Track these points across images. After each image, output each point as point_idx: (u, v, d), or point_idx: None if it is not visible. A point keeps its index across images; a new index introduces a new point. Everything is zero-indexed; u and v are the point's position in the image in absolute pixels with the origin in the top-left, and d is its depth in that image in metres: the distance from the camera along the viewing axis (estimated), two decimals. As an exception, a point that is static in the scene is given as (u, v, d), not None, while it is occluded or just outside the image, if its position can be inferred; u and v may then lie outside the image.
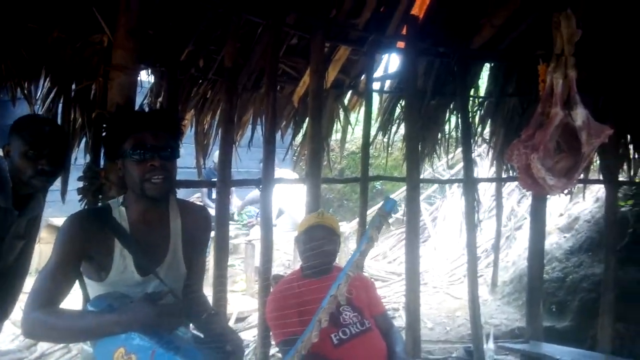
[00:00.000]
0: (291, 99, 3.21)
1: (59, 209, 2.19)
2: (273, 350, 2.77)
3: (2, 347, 3.17)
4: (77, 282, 1.49)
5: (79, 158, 2.32)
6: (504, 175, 4.11)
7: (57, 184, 2.28)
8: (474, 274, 3.25)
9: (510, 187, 6.28)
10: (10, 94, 2.21)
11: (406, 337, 2.84)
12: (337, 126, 3.62)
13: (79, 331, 1.35)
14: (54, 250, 1.41)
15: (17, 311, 1.51)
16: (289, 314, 1.86)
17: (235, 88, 2.63)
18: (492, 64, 3.76)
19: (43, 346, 3.27)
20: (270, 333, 2.06)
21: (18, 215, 1.89)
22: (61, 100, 2.27)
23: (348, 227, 5.57)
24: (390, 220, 1.47)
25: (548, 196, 3.35)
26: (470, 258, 3.27)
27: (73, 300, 1.43)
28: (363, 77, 3.32)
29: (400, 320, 3.92)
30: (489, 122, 3.92)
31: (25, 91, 2.21)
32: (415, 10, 3.09)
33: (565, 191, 2.37)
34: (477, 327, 3.20)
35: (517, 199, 6.35)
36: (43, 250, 3.11)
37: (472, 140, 3.64)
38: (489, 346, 3.37)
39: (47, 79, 2.28)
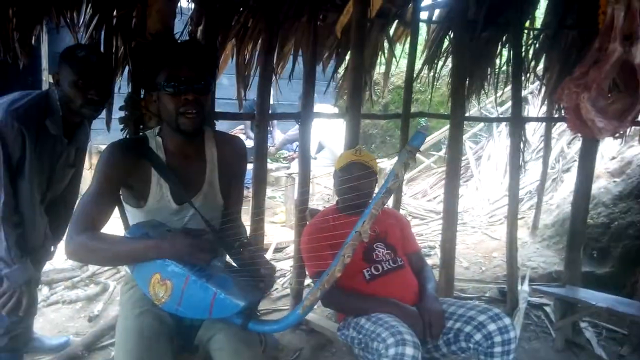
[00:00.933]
0: (334, 29, 3.10)
1: (106, 137, 2.27)
2: (308, 280, 2.87)
3: (57, 266, 3.40)
4: (117, 209, 1.56)
5: (122, 87, 2.35)
6: (555, 115, 3.91)
7: (103, 113, 2.35)
8: (514, 215, 3.19)
9: (560, 127, 5.99)
10: (55, 22, 2.22)
11: (440, 275, 2.87)
12: (382, 59, 3.49)
13: (117, 255, 1.42)
14: (95, 177, 1.46)
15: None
16: (321, 248, 1.89)
17: (276, 16, 2.54)
18: (551, -8, 3.47)
19: (94, 266, 3.49)
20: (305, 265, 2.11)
21: (67, 144, 1.97)
22: (103, 29, 2.27)
23: (389, 164, 5.53)
24: (417, 155, 1.40)
25: (599, 139, 3.18)
26: (512, 199, 3.20)
27: (114, 228, 1.50)
28: (410, 5, 3.14)
29: (435, 258, 3.94)
30: (543, 57, 3.68)
31: (68, 19, 2.21)
32: None
33: (616, 135, 2.22)
34: (513, 268, 3.18)
35: (567, 140, 6.07)
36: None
37: (523, 77, 3.44)
38: (524, 288, 3.37)
39: (89, 7, 2.27)
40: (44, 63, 5.52)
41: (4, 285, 1.80)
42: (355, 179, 1.99)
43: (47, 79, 5.40)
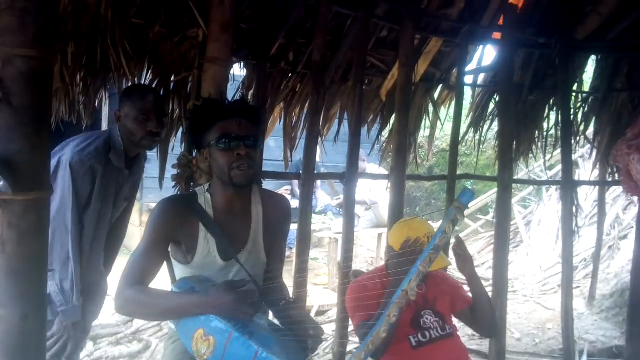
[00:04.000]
0: (379, 93, 3.17)
1: (157, 195, 2.35)
2: (351, 346, 2.77)
3: (102, 322, 3.45)
4: (165, 264, 1.58)
5: (176, 147, 2.46)
6: (608, 179, 3.77)
7: (155, 172, 2.45)
8: (569, 284, 3.02)
9: (615, 192, 5.76)
10: (117, 86, 2.38)
11: (490, 346, 2.72)
12: (427, 122, 3.52)
13: (163, 310, 1.43)
14: (146, 232, 1.50)
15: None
16: (368, 299, 1.81)
17: (323, 81, 2.63)
18: (599, 56, 3.45)
19: (138, 323, 3.51)
20: (349, 321, 2.02)
21: (128, 175, 2.08)
22: (161, 92, 2.41)
23: (434, 227, 5.42)
24: (466, 213, 1.37)
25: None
26: (566, 267, 3.04)
27: (161, 282, 1.52)
28: (455, 70, 3.19)
29: (485, 327, 3.74)
30: (593, 120, 3.61)
31: (130, 83, 2.37)
32: (513, -1, 2.91)
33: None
34: (570, 342, 2.97)
35: (622, 205, 5.80)
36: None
37: (573, 140, 3.37)
38: (583, 363, 3.13)
39: (149, 72, 2.43)
40: (104, 124, 5.86)
41: (54, 328, 1.84)
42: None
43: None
